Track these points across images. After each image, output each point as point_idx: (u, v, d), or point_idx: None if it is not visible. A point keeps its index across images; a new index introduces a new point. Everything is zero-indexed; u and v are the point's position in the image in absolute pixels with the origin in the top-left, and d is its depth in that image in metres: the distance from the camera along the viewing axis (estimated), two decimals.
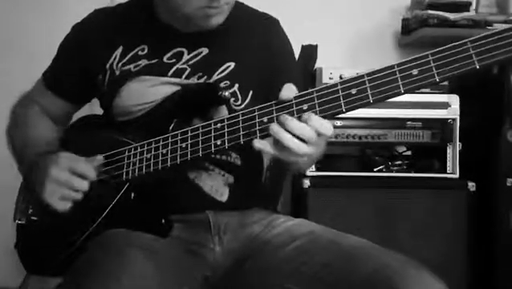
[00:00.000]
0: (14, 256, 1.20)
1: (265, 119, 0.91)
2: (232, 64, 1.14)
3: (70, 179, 1.05)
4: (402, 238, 1.78)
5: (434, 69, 0.78)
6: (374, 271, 0.90)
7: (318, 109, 0.86)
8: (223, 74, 1.13)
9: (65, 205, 1.06)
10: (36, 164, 1.11)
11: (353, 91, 0.83)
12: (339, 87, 0.84)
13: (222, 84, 1.12)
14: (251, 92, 1.15)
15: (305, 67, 1.92)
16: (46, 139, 1.22)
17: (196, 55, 1.15)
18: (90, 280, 0.85)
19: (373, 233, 1.73)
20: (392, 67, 0.83)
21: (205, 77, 1.13)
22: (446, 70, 0.78)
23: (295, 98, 0.88)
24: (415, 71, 0.81)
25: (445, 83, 1.96)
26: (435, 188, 1.84)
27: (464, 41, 0.77)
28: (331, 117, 0.87)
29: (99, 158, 1.10)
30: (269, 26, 1.23)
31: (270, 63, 1.17)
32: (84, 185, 1.06)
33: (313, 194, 1.81)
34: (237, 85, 1.14)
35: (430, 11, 2.04)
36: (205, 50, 1.15)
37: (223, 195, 1.14)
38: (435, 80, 0.80)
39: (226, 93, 1.08)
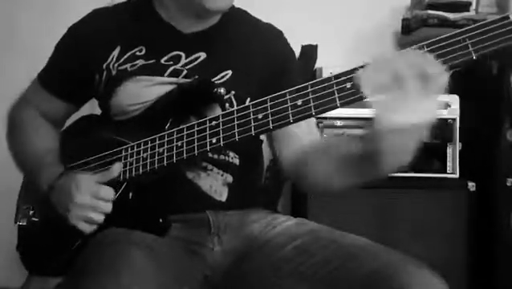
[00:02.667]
0: (16, 256, 1.20)
1: (260, 115, 0.91)
2: (229, 72, 1.13)
3: (94, 203, 1.03)
4: (402, 238, 1.76)
5: None
6: (375, 270, 0.90)
7: (312, 104, 0.86)
8: (220, 81, 1.12)
9: (90, 227, 1.04)
10: (56, 186, 1.09)
11: (348, 85, 0.83)
12: (333, 81, 0.83)
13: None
14: (248, 100, 1.13)
15: (305, 67, 1.91)
16: (47, 144, 1.21)
17: (193, 60, 1.14)
18: (89, 279, 0.86)
19: (373, 233, 1.69)
20: None
21: None
22: (442, 60, 0.78)
23: (289, 93, 0.88)
24: None
25: None
26: (435, 188, 1.84)
27: (460, 31, 0.77)
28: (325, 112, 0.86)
29: (118, 167, 1.07)
30: (270, 36, 1.22)
31: (271, 71, 1.16)
32: (108, 208, 1.04)
33: (313, 194, 1.80)
34: (233, 92, 1.12)
35: (430, 11, 2.03)
36: (202, 55, 1.14)
37: (222, 195, 1.13)
38: None
39: (221, 90, 1.07)
